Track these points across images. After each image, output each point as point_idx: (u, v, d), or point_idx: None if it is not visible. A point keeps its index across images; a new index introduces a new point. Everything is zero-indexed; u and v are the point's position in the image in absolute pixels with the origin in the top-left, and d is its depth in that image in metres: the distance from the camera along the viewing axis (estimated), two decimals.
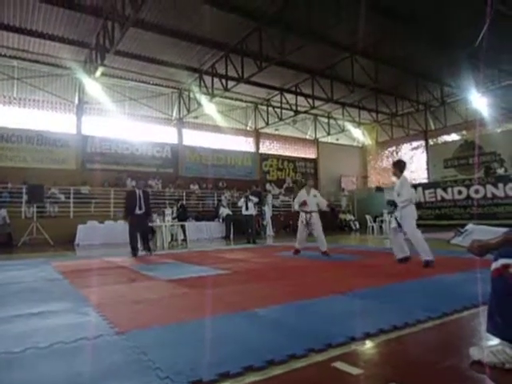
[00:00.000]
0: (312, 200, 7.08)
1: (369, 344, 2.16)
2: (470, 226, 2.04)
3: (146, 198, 8.03)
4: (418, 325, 2.47)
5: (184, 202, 13.59)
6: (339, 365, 1.85)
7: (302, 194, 7.20)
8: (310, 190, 7.24)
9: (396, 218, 5.45)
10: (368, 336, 2.25)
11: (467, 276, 4.24)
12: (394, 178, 5.69)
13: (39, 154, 14.85)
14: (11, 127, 14.39)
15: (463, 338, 2.25)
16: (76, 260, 7.63)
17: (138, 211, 7.78)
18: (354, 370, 1.78)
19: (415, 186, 18.11)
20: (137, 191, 7.94)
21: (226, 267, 5.56)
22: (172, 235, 11.28)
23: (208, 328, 2.52)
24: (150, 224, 8.19)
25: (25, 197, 12.62)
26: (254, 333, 2.39)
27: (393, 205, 5.55)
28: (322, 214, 7.36)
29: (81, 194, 14.28)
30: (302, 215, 7.11)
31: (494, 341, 1.88)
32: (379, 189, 6.32)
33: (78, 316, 2.92)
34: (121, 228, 12.48)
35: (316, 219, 7.01)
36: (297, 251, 7.20)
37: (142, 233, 8.02)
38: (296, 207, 7.32)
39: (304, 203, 7.00)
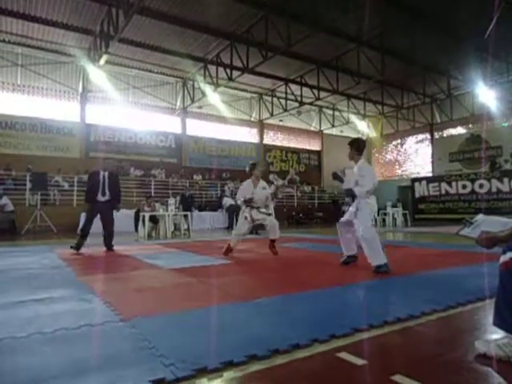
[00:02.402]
0: (260, 194, 5.82)
1: (373, 335, 2.15)
2: (479, 217, 2.00)
3: (113, 181, 6.70)
4: (422, 317, 2.45)
5: (190, 193, 13.60)
6: (343, 355, 1.84)
7: (247, 187, 5.87)
8: (258, 181, 5.90)
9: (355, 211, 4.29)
10: (372, 327, 2.24)
11: (472, 269, 4.22)
12: (352, 163, 4.47)
13: (43, 142, 14.87)
14: (15, 114, 14.39)
15: (468, 331, 2.24)
16: None
17: (100, 197, 6.51)
18: (359, 361, 1.77)
19: (419, 180, 18.08)
20: (101, 173, 6.57)
21: (229, 257, 5.56)
22: (175, 225, 11.30)
23: (211, 317, 2.51)
24: (116, 212, 6.81)
25: (28, 184, 12.66)
26: (257, 322, 2.39)
27: (351, 195, 4.43)
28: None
29: (84, 182, 14.25)
30: (246, 210, 5.82)
31: (500, 334, 1.87)
32: (336, 176, 4.88)
33: (81, 303, 2.92)
34: (124, 216, 12.54)
35: (265, 215, 5.87)
36: (228, 250, 5.86)
37: (104, 224, 6.73)
38: (239, 202, 5.95)
39: (248, 201, 5.77)
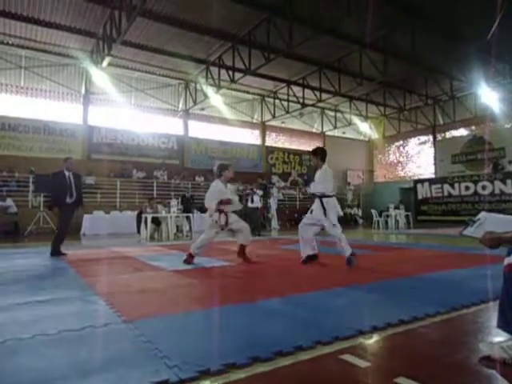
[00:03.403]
0: (232, 197, 5.46)
1: (376, 337, 2.15)
2: (482, 215, 1.96)
3: (78, 182, 6.46)
4: (426, 319, 2.45)
5: (188, 194, 13.62)
6: (347, 357, 1.83)
7: (221, 189, 5.27)
8: (227, 183, 5.48)
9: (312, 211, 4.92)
10: (375, 329, 2.23)
11: (475, 271, 4.21)
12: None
13: (46, 144, 14.92)
14: (18, 116, 14.45)
15: (472, 333, 2.23)
16: (82, 249, 7.68)
17: (68, 200, 6.19)
18: (362, 363, 1.77)
19: (422, 181, 18.04)
20: (66, 173, 6.24)
21: (230, 259, 5.55)
22: (177, 226, 11.31)
23: (214, 318, 2.52)
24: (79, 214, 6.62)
25: (31, 186, 12.70)
26: (259, 324, 2.39)
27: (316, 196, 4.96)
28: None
29: (86, 184, 14.34)
30: (215, 216, 5.17)
31: (504, 336, 1.86)
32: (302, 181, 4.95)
33: (84, 304, 2.93)
34: (127, 218, 12.58)
35: (235, 218, 5.45)
36: (192, 257, 5.22)
37: (62, 226, 6.42)
38: (211, 204, 5.12)
39: (227, 202, 5.19)
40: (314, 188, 4.90)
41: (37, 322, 2.42)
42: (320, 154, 5.00)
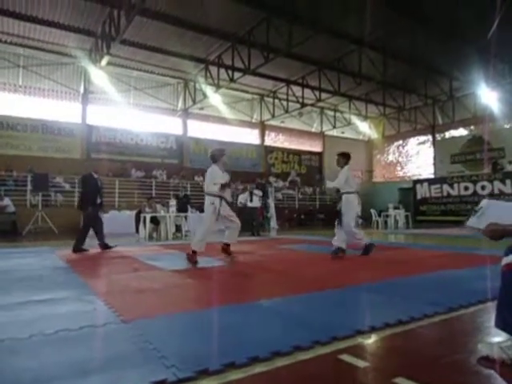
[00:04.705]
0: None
1: (375, 337, 2.15)
2: (484, 202, 1.90)
3: (102, 185, 7.03)
4: (424, 319, 2.44)
5: (182, 194, 13.60)
6: (345, 357, 1.83)
7: (219, 173, 5.23)
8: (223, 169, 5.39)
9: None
10: (374, 330, 2.23)
11: (474, 271, 4.21)
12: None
13: (44, 143, 14.89)
14: (16, 115, 14.42)
15: (470, 333, 2.23)
16: None
17: (98, 200, 6.80)
18: (361, 363, 1.76)
19: (421, 181, 18.07)
20: (94, 175, 6.81)
21: (229, 259, 5.55)
22: (176, 226, 11.29)
23: (212, 318, 2.51)
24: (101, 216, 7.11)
25: (29, 185, 12.67)
26: (258, 324, 2.38)
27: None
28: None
29: None
30: (215, 200, 5.09)
31: (504, 336, 1.86)
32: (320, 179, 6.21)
33: (83, 304, 2.92)
34: (125, 218, 12.55)
35: (232, 212, 5.45)
36: (195, 258, 5.01)
37: (99, 226, 6.99)
38: (213, 188, 5.07)
39: (228, 185, 5.23)
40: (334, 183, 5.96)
41: (35, 322, 2.41)
42: (347, 157, 6.21)
